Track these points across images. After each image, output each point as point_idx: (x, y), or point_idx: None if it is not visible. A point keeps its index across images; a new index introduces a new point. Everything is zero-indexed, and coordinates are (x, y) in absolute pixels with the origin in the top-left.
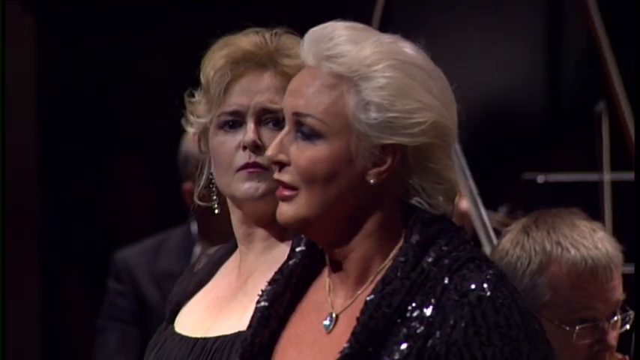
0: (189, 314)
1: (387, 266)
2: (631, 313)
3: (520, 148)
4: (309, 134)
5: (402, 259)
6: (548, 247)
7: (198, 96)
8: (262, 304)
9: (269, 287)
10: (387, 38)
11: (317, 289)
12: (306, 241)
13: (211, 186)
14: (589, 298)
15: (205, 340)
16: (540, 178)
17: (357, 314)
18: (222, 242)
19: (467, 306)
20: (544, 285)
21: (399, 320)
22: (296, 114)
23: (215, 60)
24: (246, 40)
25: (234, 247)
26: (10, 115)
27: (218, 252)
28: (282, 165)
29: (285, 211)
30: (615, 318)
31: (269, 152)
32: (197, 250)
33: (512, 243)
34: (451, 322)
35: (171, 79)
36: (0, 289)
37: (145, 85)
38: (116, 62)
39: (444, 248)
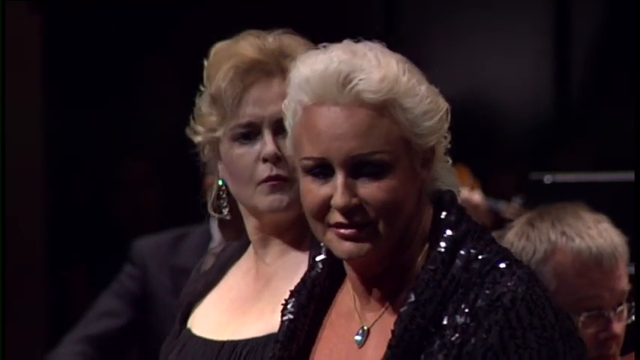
0: (207, 316)
1: (415, 274)
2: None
3: (527, 148)
4: (379, 169)
5: (432, 267)
6: (553, 236)
7: (204, 107)
8: (288, 316)
9: (292, 299)
10: (375, 45)
11: (343, 299)
12: (326, 249)
13: (221, 193)
14: (594, 287)
15: (234, 343)
16: (547, 178)
17: (389, 326)
18: (239, 238)
19: (500, 309)
20: (549, 274)
21: (433, 330)
22: (357, 156)
23: (224, 71)
24: (250, 48)
25: (243, 246)
26: (16, 115)
27: (225, 251)
28: (355, 208)
29: (360, 248)
30: (621, 308)
31: (342, 202)
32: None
33: (517, 235)
34: (486, 326)
35: (178, 82)
36: (7, 289)
37: (151, 87)
38: (123, 64)
39: (472, 251)
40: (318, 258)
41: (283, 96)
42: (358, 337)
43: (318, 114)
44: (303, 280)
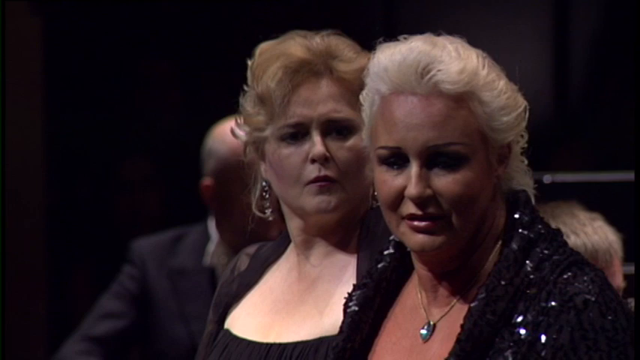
0: (248, 317)
1: (486, 272)
2: (631, 301)
3: (527, 148)
4: (454, 161)
5: (505, 265)
6: None
7: (249, 107)
8: (353, 308)
9: (358, 291)
10: (456, 39)
11: (409, 293)
12: (394, 243)
13: (264, 193)
14: None
15: (282, 345)
16: (547, 178)
17: (457, 322)
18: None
19: (573, 310)
20: None
21: (502, 327)
22: (433, 146)
23: (273, 71)
24: (299, 48)
25: (280, 247)
26: (16, 115)
27: (261, 251)
28: (428, 199)
29: (433, 241)
30: None
31: (416, 192)
32: (210, 247)
33: None
34: (557, 326)
35: (178, 83)
36: (7, 289)
37: (151, 88)
38: (123, 64)
39: (545, 252)
40: (386, 252)
41: (331, 97)
42: (424, 331)
43: (395, 103)
44: (369, 272)
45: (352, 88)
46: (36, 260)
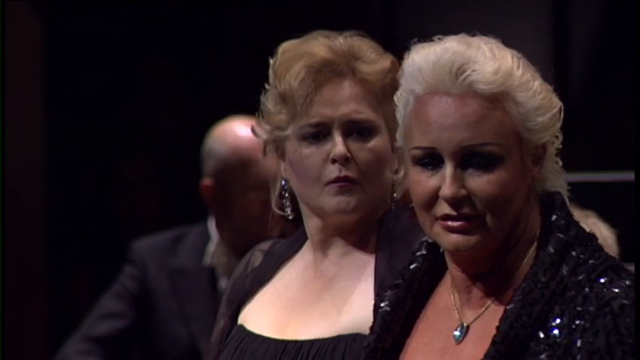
0: (262, 314)
1: (521, 275)
2: None
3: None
4: (489, 161)
5: (541, 268)
6: None
7: (271, 105)
8: (384, 308)
9: (390, 292)
10: (491, 40)
11: (441, 294)
12: (427, 244)
13: (283, 192)
14: None
15: (298, 343)
16: None
17: (491, 324)
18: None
19: (609, 314)
20: None
21: (538, 330)
22: (468, 147)
23: (296, 70)
24: (322, 48)
25: (294, 243)
26: (16, 115)
27: (275, 247)
28: (463, 199)
29: (467, 241)
30: None
31: (450, 192)
32: (210, 247)
33: None
34: (593, 331)
35: (178, 83)
36: (7, 289)
37: (151, 88)
38: (123, 64)
39: (581, 256)
40: (419, 253)
41: (353, 97)
42: (457, 333)
43: (429, 104)
44: (401, 273)
45: (374, 89)
46: (36, 260)
